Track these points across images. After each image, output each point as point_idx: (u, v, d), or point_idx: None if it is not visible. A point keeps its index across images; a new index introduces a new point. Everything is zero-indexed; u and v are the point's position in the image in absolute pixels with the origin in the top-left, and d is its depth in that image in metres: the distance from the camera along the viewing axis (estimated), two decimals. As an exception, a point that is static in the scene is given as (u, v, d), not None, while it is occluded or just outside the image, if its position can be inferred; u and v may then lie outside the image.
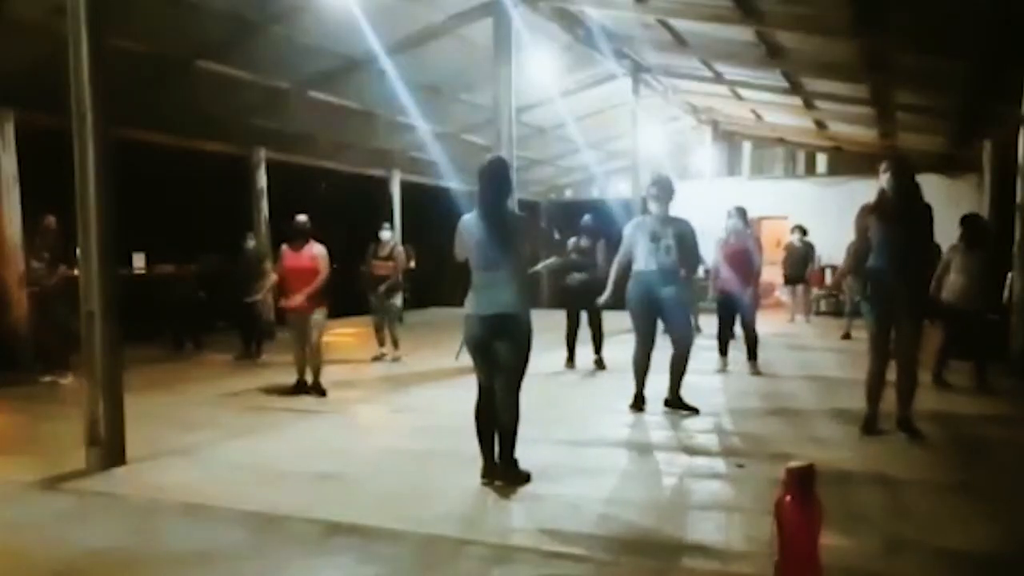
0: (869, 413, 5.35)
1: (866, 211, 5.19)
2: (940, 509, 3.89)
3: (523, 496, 4.12)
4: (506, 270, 4.20)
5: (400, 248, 9.51)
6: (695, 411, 6.10)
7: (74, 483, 4.42)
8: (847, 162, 16.65)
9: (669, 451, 5.10)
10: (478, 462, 4.79)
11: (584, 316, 8.45)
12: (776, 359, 8.71)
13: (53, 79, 4.92)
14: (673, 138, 17.50)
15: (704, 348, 8.37)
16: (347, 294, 10.18)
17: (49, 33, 6.01)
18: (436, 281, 16.94)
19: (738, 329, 8.14)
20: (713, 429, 5.62)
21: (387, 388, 7.69)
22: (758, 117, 15.06)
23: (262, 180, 11.95)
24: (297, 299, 6.75)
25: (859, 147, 15.66)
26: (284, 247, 7.09)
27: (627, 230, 6.07)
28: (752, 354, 8.07)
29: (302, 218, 6.98)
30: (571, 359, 8.56)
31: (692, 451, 5.08)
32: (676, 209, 6.11)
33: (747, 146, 17.99)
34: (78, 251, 4.68)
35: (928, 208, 5.11)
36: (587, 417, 6.14)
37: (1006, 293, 8.49)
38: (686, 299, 6.21)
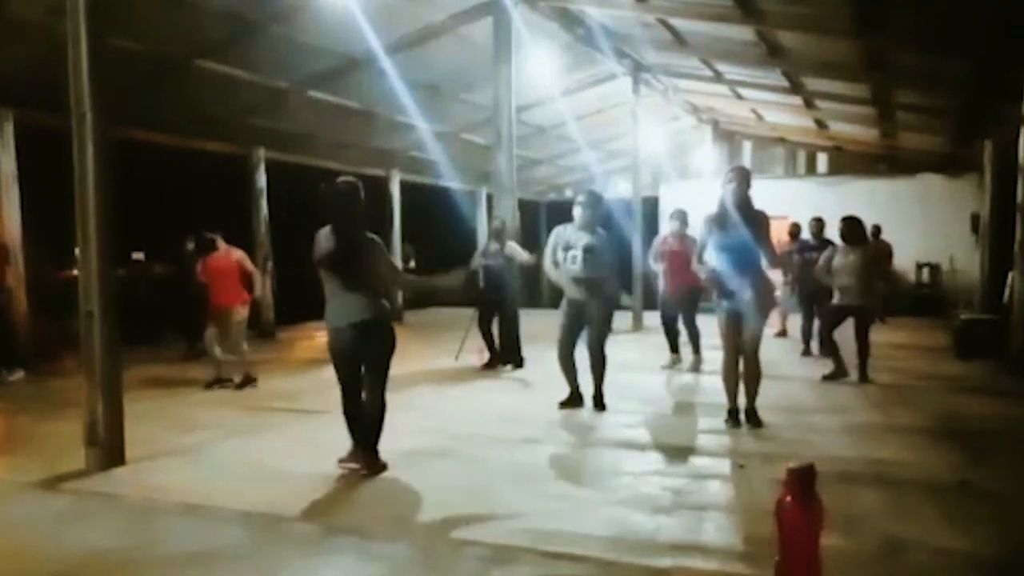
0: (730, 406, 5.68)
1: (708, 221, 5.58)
2: (940, 509, 3.88)
3: (520, 497, 4.12)
4: (356, 282, 4.44)
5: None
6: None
7: (73, 483, 4.42)
8: (848, 162, 16.67)
9: (668, 451, 5.09)
10: (480, 462, 4.80)
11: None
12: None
13: (53, 79, 4.92)
14: (673, 137, 17.50)
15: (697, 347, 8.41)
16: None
17: (49, 33, 6.00)
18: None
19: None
20: (713, 429, 5.61)
21: (387, 389, 7.67)
22: (758, 117, 15.05)
23: (262, 180, 11.94)
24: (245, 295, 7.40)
25: (860, 147, 15.66)
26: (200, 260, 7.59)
27: (551, 236, 6.26)
28: (696, 348, 8.38)
29: (210, 234, 7.54)
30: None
31: (692, 451, 5.08)
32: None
33: (747, 145, 17.98)
34: (76, 251, 4.67)
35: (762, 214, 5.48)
36: (584, 417, 6.13)
37: (1006, 293, 8.48)
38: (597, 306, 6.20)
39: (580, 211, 6.08)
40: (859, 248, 7.49)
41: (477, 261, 8.63)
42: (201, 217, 8.31)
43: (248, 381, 7.37)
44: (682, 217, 8.46)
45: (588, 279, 5.99)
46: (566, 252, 6.02)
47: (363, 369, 4.58)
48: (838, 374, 7.44)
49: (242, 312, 7.40)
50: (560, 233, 6.15)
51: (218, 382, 7.40)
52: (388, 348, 4.57)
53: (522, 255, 8.38)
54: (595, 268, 5.99)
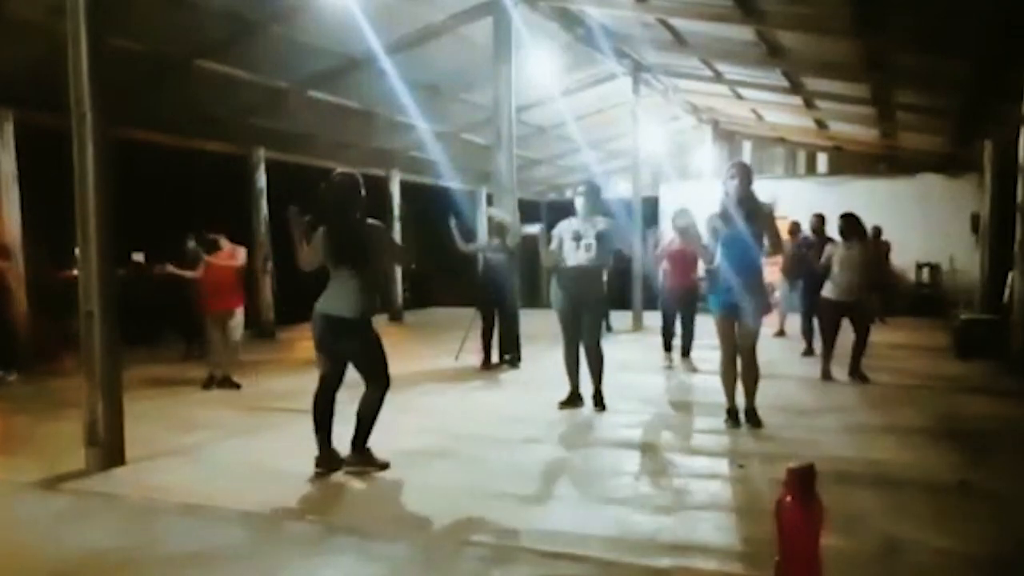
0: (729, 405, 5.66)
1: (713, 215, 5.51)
2: (940, 509, 3.88)
3: (520, 496, 4.12)
4: (354, 276, 4.40)
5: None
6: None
7: (73, 483, 4.42)
8: (848, 162, 16.67)
9: (668, 451, 5.10)
10: (480, 462, 4.80)
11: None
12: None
13: (53, 79, 4.92)
14: (673, 138, 17.50)
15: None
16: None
17: (49, 33, 6.00)
18: (435, 281, 16.95)
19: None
20: (713, 429, 5.61)
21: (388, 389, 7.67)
22: (758, 117, 15.05)
23: (261, 180, 11.96)
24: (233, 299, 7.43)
25: (860, 147, 15.66)
26: (204, 260, 7.50)
27: (554, 230, 6.24)
28: (685, 351, 8.43)
29: (212, 235, 7.56)
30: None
31: (692, 451, 5.08)
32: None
33: (747, 145, 17.98)
34: (76, 251, 4.67)
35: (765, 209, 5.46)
36: (584, 417, 6.13)
37: (1006, 293, 8.48)
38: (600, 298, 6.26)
39: (583, 201, 6.13)
40: (858, 244, 7.49)
41: (477, 246, 8.66)
42: (201, 217, 8.31)
43: (228, 382, 7.40)
44: (688, 216, 8.45)
45: (590, 268, 6.02)
46: (577, 241, 6.03)
47: (355, 368, 4.57)
48: (823, 375, 7.47)
49: (240, 315, 7.45)
50: (565, 226, 6.16)
51: (212, 379, 7.41)
52: (366, 347, 4.51)
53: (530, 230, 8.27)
54: (602, 255, 6.04)
